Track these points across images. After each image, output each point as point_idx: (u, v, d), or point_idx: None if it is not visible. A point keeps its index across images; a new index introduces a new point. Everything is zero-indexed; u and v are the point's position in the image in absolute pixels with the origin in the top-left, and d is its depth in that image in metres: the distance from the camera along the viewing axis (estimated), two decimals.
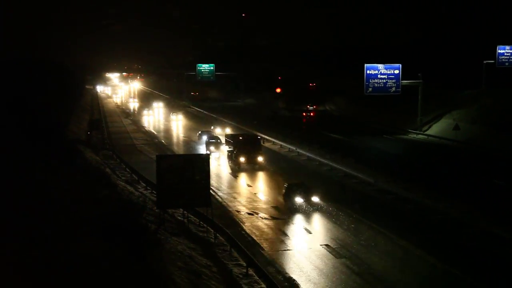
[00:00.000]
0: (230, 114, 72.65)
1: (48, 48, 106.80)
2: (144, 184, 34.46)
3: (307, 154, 43.39)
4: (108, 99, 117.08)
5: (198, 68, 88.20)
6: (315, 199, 29.09)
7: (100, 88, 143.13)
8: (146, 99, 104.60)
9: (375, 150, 46.13)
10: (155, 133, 63.64)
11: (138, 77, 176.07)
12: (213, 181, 33.97)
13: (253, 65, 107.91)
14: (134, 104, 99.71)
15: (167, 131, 65.21)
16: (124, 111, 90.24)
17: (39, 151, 24.54)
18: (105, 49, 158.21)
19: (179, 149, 51.09)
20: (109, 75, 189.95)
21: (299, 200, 29.08)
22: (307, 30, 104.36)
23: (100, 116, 78.57)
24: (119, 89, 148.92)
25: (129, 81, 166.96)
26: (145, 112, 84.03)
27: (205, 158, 24.44)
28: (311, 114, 79.10)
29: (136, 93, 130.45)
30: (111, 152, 48.49)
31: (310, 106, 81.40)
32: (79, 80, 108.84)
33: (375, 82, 54.98)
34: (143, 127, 69.62)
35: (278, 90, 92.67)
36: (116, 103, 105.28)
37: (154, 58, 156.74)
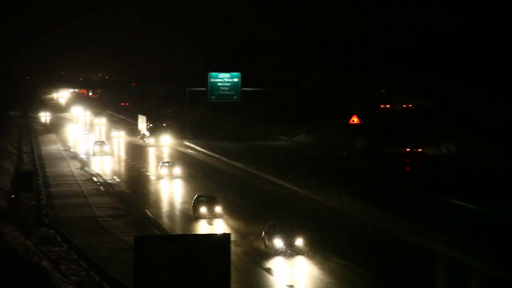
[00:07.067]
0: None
1: None
2: None
3: None
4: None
5: (212, 80, 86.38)
6: None
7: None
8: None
9: None
10: (132, 195, 65.06)
11: (91, 94, 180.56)
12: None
13: (301, 75, 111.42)
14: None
15: (154, 194, 66.19)
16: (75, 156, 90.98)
17: None
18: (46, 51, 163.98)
19: (174, 226, 51.84)
20: (54, 94, 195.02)
21: None
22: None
23: (35, 166, 79.39)
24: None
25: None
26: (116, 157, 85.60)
27: (223, 241, 23.81)
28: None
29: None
30: (53, 231, 48.58)
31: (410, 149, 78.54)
32: None
33: None
34: (110, 184, 70.84)
35: (355, 119, 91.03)
36: None
37: (131, 64, 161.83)
